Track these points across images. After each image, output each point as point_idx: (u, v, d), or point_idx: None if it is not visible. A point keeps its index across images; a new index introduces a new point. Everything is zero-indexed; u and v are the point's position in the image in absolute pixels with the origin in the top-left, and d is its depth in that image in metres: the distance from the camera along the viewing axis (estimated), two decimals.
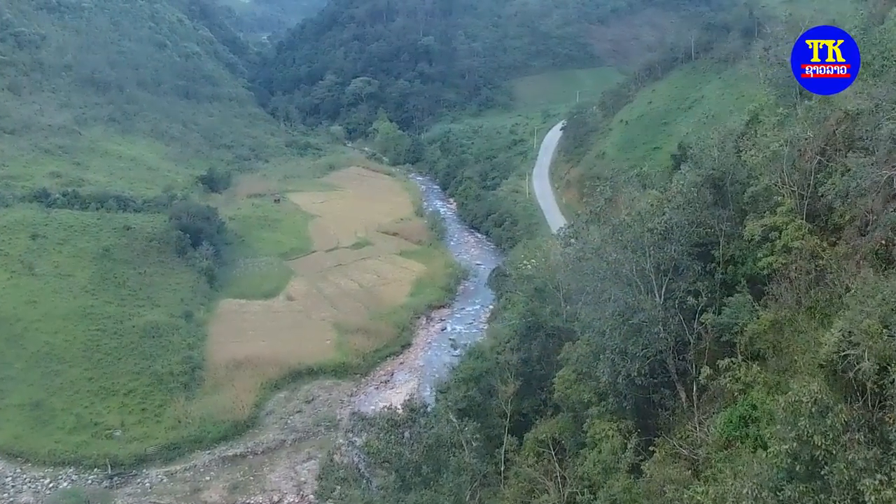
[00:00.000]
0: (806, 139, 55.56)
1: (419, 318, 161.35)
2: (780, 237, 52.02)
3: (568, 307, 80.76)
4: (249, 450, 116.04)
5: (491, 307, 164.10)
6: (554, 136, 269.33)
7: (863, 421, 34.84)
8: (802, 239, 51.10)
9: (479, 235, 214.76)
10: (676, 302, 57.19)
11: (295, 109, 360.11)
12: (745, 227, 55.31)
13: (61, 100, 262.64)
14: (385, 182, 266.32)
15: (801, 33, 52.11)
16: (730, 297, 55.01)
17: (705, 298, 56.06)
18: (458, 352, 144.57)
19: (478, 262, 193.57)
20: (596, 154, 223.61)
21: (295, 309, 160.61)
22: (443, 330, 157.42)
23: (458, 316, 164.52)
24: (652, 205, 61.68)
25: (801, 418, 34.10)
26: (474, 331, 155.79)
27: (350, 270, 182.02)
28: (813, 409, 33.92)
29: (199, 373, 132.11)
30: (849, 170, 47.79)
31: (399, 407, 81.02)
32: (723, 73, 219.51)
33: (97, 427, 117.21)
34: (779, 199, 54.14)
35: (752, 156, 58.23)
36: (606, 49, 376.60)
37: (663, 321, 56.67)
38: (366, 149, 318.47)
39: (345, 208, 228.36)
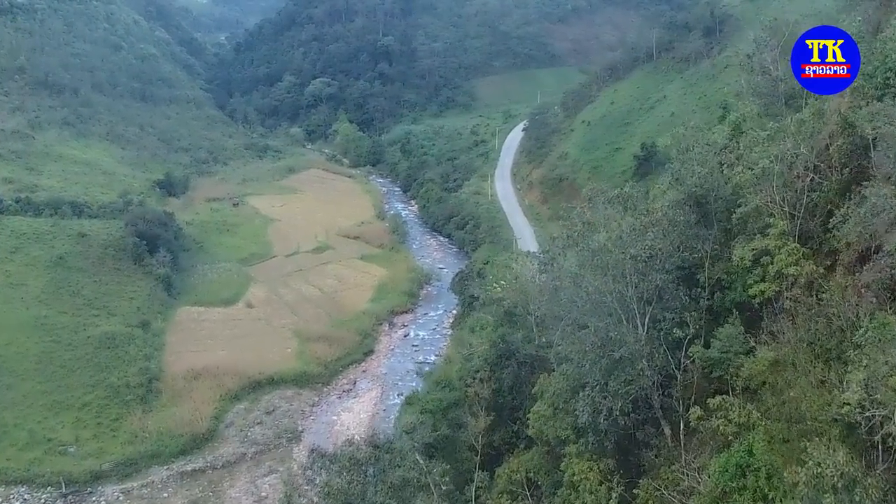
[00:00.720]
0: (797, 155, 52.74)
1: (381, 324, 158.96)
2: (772, 262, 49.28)
3: (541, 333, 77.09)
4: (208, 464, 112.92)
5: (454, 312, 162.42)
6: (516, 136, 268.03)
7: (888, 487, 32.13)
8: (797, 265, 48.43)
9: (442, 238, 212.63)
10: (661, 333, 54.24)
11: (253, 111, 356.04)
12: (732, 249, 52.57)
13: (14, 103, 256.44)
14: (345, 184, 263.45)
15: (789, 38, 50.84)
16: (719, 328, 51.87)
17: (692, 329, 53.03)
18: (422, 359, 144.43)
19: (440, 266, 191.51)
20: (558, 155, 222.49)
21: (255, 316, 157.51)
22: (406, 336, 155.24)
23: (422, 321, 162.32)
24: (634, 228, 57.91)
25: (826, 495, 31.52)
26: (437, 336, 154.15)
27: (311, 275, 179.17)
28: (839, 484, 31.29)
29: (157, 384, 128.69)
30: (864, 198, 45.21)
31: (361, 442, 78.10)
32: (685, 72, 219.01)
33: (51, 443, 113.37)
34: (770, 220, 51.44)
35: (738, 173, 55.30)
36: (567, 48, 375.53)
37: (647, 355, 53.57)
38: (326, 151, 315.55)
39: (305, 212, 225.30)
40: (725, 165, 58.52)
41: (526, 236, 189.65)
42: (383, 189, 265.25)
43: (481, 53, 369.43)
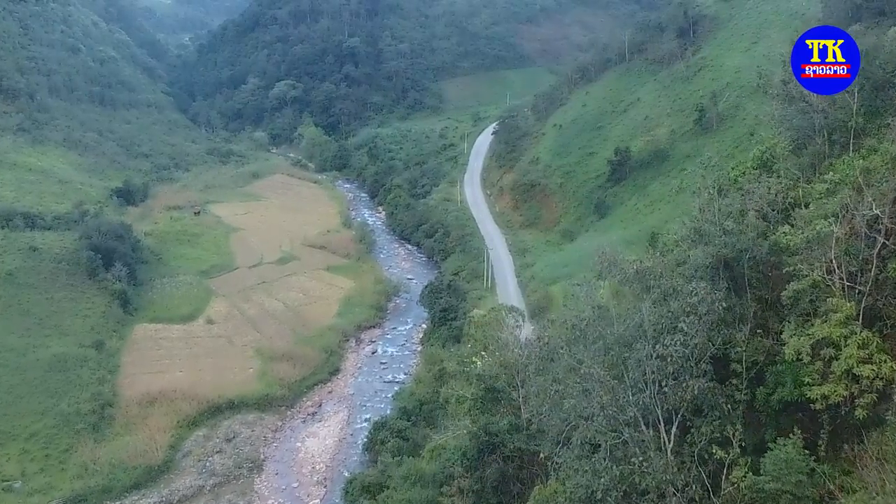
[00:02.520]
0: (864, 214, 43.01)
1: (348, 340, 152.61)
2: (838, 357, 40.00)
3: (531, 417, 64.31)
4: (163, 499, 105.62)
5: (424, 326, 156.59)
6: (485, 139, 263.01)
7: None
8: (872, 362, 39.11)
9: (410, 247, 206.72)
10: (695, 451, 44.68)
11: (217, 115, 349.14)
12: (782, 334, 43.22)
13: None
14: (311, 190, 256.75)
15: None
16: (769, 448, 41.56)
17: (736, 446, 43.49)
18: (391, 377, 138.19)
19: (409, 277, 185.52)
20: (529, 160, 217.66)
21: (215, 334, 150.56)
22: (373, 353, 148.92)
23: (390, 336, 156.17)
24: (661, 315, 46.84)
25: None
26: (407, 353, 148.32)
27: (275, 288, 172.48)
28: None
29: (110, 411, 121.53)
30: None
31: None
32: (658, 74, 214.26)
33: None
34: (832, 301, 42.03)
35: (785, 234, 45.76)
36: (536, 49, 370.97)
37: (679, 486, 43.92)
38: (291, 155, 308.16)
39: (269, 220, 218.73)
40: (755, 212, 49.74)
41: (497, 245, 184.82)
42: (350, 195, 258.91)
43: (449, 54, 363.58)
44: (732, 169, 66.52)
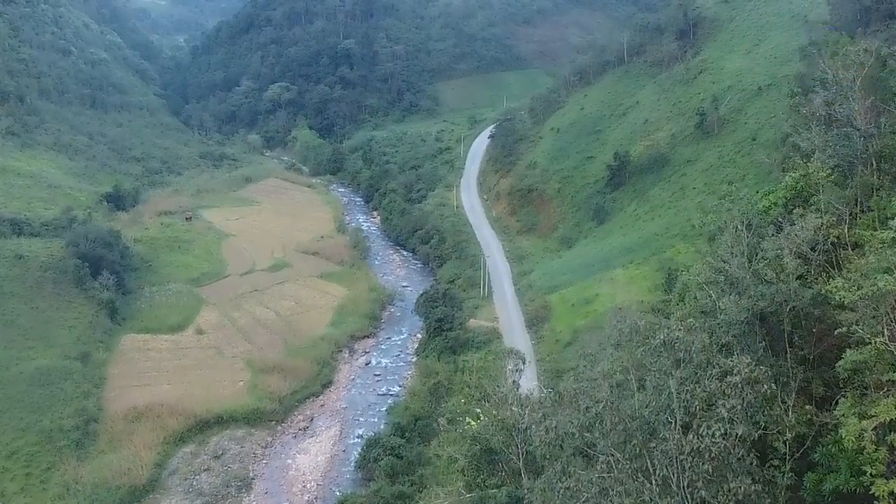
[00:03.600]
0: None
1: (341, 351, 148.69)
2: None
3: (531, 484, 53.23)
4: None
5: (419, 336, 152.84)
6: (481, 143, 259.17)
7: None
8: None
9: (405, 253, 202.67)
10: None
11: (210, 117, 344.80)
12: (832, 404, 36.99)
13: None
14: (305, 195, 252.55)
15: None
16: None
17: None
18: (385, 390, 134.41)
19: (404, 284, 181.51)
20: (527, 164, 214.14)
21: (205, 344, 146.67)
22: (367, 364, 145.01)
23: (384, 347, 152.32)
24: (694, 395, 38.50)
25: None
26: (401, 364, 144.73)
27: (266, 297, 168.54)
28: None
29: (94, 426, 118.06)
30: None
31: None
32: (657, 77, 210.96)
33: None
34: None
35: (839, 289, 38.04)
36: (533, 50, 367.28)
37: None
38: (284, 158, 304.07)
39: (262, 225, 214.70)
40: (791, 252, 42.64)
41: (494, 251, 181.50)
42: (344, 199, 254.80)
43: (445, 56, 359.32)
44: (762, 198, 58.14)
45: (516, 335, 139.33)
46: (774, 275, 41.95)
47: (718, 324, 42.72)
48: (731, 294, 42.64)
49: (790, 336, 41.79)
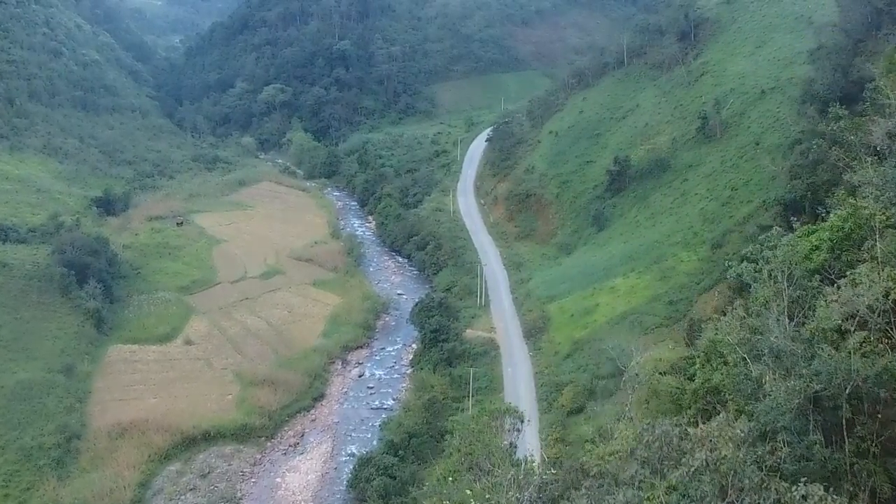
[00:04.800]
0: None
1: (334, 362, 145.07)
2: None
3: None
4: None
5: (414, 346, 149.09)
6: (479, 146, 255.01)
7: None
8: None
9: (401, 260, 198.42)
10: None
11: (203, 120, 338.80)
12: None
13: None
14: (299, 199, 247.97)
15: None
16: None
17: None
18: (378, 404, 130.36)
19: (399, 292, 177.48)
20: (525, 168, 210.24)
21: (194, 356, 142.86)
22: (360, 376, 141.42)
23: (378, 358, 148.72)
24: None
25: None
26: (396, 376, 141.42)
27: (258, 305, 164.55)
28: None
29: (77, 443, 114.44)
30: None
31: None
32: (658, 79, 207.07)
33: None
34: None
35: None
36: (531, 52, 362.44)
37: None
38: (279, 161, 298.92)
39: (254, 231, 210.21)
40: (854, 324, 35.58)
41: (491, 258, 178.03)
42: (339, 203, 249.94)
43: (442, 57, 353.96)
44: (800, 238, 50.43)
45: (514, 346, 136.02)
46: (832, 349, 35.30)
47: (764, 410, 35.85)
48: (775, 369, 36.15)
49: (849, 423, 35.72)
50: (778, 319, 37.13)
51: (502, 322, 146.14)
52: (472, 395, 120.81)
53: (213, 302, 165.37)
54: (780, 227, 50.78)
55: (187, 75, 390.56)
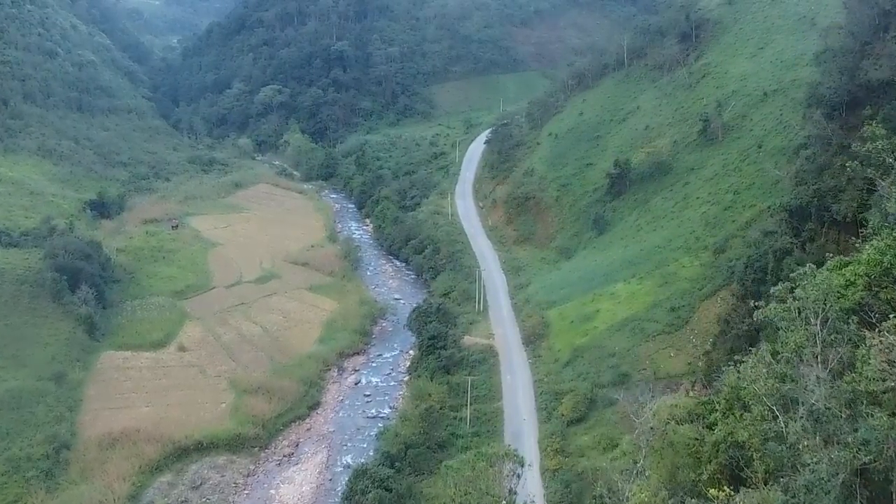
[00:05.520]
0: None
1: (330, 369, 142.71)
2: None
3: None
4: None
5: (411, 352, 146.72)
6: (477, 148, 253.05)
7: None
8: None
9: (398, 263, 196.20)
10: None
11: (200, 121, 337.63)
12: None
13: None
14: (296, 201, 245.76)
15: None
16: None
17: None
18: (374, 412, 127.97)
19: (396, 297, 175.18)
20: (524, 171, 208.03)
21: (187, 362, 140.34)
22: (357, 383, 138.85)
23: (374, 365, 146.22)
24: None
25: None
26: (392, 384, 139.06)
27: (253, 310, 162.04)
28: None
29: (66, 454, 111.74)
30: None
31: None
32: (658, 81, 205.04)
33: None
34: None
35: None
36: (530, 52, 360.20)
37: None
38: (276, 163, 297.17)
39: (250, 234, 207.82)
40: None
41: (490, 262, 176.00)
42: (336, 206, 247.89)
43: (440, 58, 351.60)
44: (830, 271, 45.25)
45: (513, 353, 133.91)
46: (882, 415, 30.89)
47: (804, 486, 31.26)
48: (813, 433, 32.12)
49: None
50: (818, 378, 32.77)
51: (501, 328, 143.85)
52: (471, 404, 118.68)
53: (208, 307, 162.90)
54: (811, 263, 45.35)
55: (184, 76, 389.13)
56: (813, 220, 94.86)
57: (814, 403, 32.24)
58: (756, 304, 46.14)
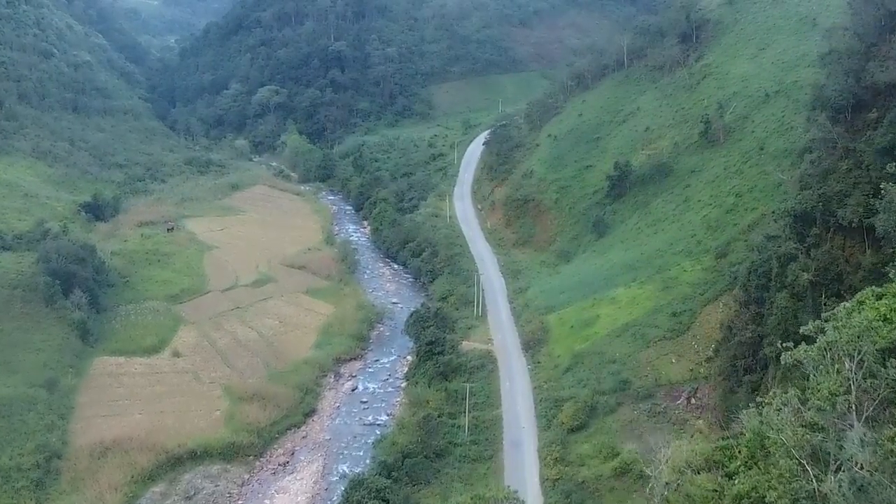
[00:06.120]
0: None
1: (326, 375, 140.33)
2: None
3: None
4: None
5: (409, 358, 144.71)
6: (476, 149, 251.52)
7: None
8: None
9: (396, 266, 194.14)
10: None
11: (197, 121, 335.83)
12: None
13: None
14: (293, 203, 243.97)
15: None
16: None
17: None
18: (371, 419, 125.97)
19: (394, 301, 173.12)
20: (523, 173, 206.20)
21: (181, 368, 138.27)
22: (353, 390, 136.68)
23: (372, 370, 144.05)
24: None
25: None
26: (390, 390, 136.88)
27: (249, 315, 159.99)
28: None
29: (57, 464, 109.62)
30: None
31: None
32: (659, 81, 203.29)
33: None
34: None
35: None
36: (529, 53, 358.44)
37: None
38: (273, 164, 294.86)
39: (247, 236, 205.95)
40: None
41: (488, 266, 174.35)
42: (334, 208, 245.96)
43: (439, 59, 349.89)
44: (866, 304, 40.61)
45: (512, 359, 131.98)
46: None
47: None
48: (855, 500, 28.83)
49: None
50: (862, 441, 28.91)
51: (500, 333, 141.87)
52: (469, 412, 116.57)
53: (203, 311, 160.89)
54: (846, 302, 41.68)
55: (181, 76, 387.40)
56: (818, 225, 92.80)
57: (854, 467, 28.92)
58: (784, 345, 42.22)
